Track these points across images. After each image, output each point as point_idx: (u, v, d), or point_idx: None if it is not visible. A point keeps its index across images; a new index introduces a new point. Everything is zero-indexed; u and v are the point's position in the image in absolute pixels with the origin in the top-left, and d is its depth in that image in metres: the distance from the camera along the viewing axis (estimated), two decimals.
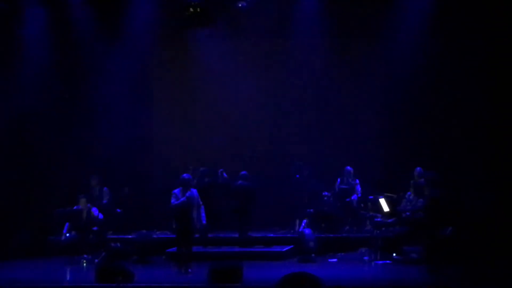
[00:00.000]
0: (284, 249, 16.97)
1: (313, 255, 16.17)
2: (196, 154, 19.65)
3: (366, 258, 16.12)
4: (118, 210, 18.54)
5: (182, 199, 14.52)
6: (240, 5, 18.80)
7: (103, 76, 19.99)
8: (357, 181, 18.44)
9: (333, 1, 19.10)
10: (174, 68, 20.51)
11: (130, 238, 17.77)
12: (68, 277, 15.26)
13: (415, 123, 18.76)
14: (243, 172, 17.71)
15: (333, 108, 19.68)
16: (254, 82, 19.81)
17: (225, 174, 18.46)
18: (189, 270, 14.53)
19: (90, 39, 19.75)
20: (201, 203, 14.90)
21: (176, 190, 14.63)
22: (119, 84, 19.83)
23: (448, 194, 15.44)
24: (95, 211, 17.22)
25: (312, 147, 19.35)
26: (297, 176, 18.69)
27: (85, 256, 16.69)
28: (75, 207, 17.16)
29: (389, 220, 16.35)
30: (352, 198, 18.24)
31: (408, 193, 16.39)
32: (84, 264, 16.48)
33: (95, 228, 17.09)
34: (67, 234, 17.17)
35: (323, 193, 18.31)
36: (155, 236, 18.04)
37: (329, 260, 16.36)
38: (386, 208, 16.68)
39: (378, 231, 16.27)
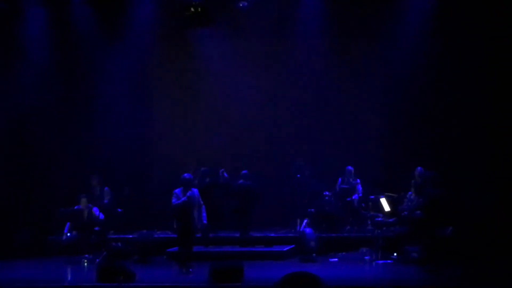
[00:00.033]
0: (285, 249, 16.96)
1: (314, 254, 16.17)
2: (197, 153, 19.65)
3: (367, 257, 16.13)
4: (119, 210, 18.56)
5: (183, 198, 14.52)
6: (240, 5, 18.82)
7: (103, 76, 20.02)
8: (358, 180, 18.45)
9: (333, 1, 19.11)
10: (175, 68, 20.52)
11: (131, 238, 17.78)
12: (69, 277, 15.26)
13: (416, 123, 18.76)
14: (244, 172, 17.73)
15: (333, 108, 19.68)
16: (254, 82, 19.81)
17: (225, 174, 18.46)
18: (190, 270, 14.53)
19: (91, 39, 19.78)
20: (202, 203, 14.90)
21: (177, 190, 14.64)
22: (120, 84, 19.85)
23: (447, 194, 15.49)
24: (96, 211, 17.23)
25: (313, 147, 19.35)
26: (298, 175, 18.72)
27: (86, 256, 16.71)
28: (76, 207, 17.18)
29: (390, 220, 16.36)
30: (353, 197, 18.26)
31: (409, 192, 16.39)
32: (85, 264, 16.49)
33: (96, 228, 17.11)
34: (68, 234, 17.18)
35: (324, 193, 18.32)
36: (156, 236, 18.02)
37: (330, 259, 16.35)
38: (387, 207, 16.71)
39: (379, 231, 16.28)
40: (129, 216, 18.66)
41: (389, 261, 15.66)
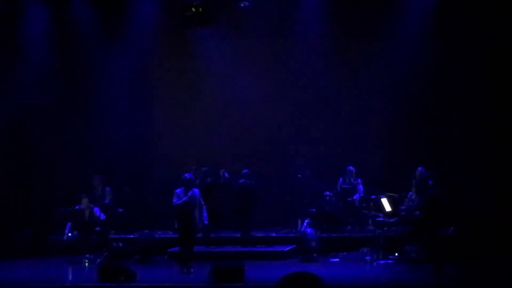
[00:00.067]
0: (286, 249, 16.97)
1: (315, 255, 16.18)
2: (197, 154, 19.64)
3: (368, 258, 16.13)
4: (120, 210, 18.56)
5: (184, 199, 14.52)
6: (241, 5, 18.82)
7: (103, 76, 20.03)
8: (359, 180, 18.44)
9: (333, 2, 19.12)
10: (175, 68, 20.52)
11: (132, 238, 17.79)
12: (70, 277, 15.28)
13: (417, 123, 18.77)
14: (245, 171, 17.75)
15: (334, 108, 19.67)
16: (255, 82, 19.79)
17: (226, 174, 18.46)
18: (191, 270, 14.53)
19: (91, 38, 19.80)
20: (203, 203, 14.89)
21: (178, 190, 14.64)
22: (120, 84, 19.87)
23: (446, 194, 15.53)
24: (97, 211, 17.23)
25: (314, 147, 19.34)
26: (299, 175, 18.72)
27: (87, 256, 16.72)
28: (77, 207, 17.18)
29: (391, 220, 16.36)
30: (354, 197, 18.25)
31: (410, 193, 16.40)
32: (86, 264, 16.50)
33: (97, 228, 17.11)
34: (69, 234, 17.19)
35: (325, 193, 18.32)
36: (156, 236, 18.03)
37: (331, 259, 16.36)
38: (388, 207, 16.71)
39: (380, 231, 16.28)
40: (130, 216, 18.66)
41: (390, 261, 15.66)
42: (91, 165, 19.25)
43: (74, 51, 19.85)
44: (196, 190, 14.78)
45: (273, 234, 18.26)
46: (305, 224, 17.93)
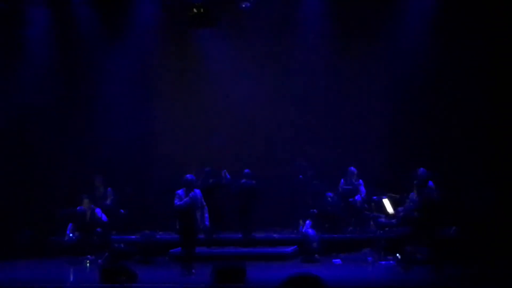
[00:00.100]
0: (287, 250, 16.97)
1: (316, 255, 16.18)
2: (198, 154, 19.61)
3: (369, 258, 16.11)
4: (122, 211, 18.54)
5: (185, 199, 14.51)
6: (243, 6, 18.81)
7: (104, 76, 20.05)
8: (361, 181, 18.42)
9: (334, 2, 19.10)
10: (176, 68, 20.50)
11: (133, 238, 17.79)
12: (71, 277, 15.27)
13: (418, 123, 18.75)
14: (246, 171, 17.75)
15: (335, 108, 19.64)
16: (256, 82, 19.79)
17: (228, 175, 18.45)
18: (193, 271, 14.52)
19: (92, 39, 19.80)
20: (204, 204, 14.88)
21: (179, 191, 14.62)
22: (121, 84, 19.88)
23: (445, 194, 15.54)
24: (98, 211, 17.23)
25: (315, 148, 19.31)
26: (300, 176, 18.70)
27: (88, 256, 16.73)
28: (78, 208, 17.17)
29: (393, 221, 16.33)
30: (356, 198, 18.23)
31: (412, 193, 16.37)
32: (88, 265, 16.50)
33: (98, 229, 17.10)
34: (71, 235, 17.18)
35: (327, 194, 18.28)
36: (158, 236, 18.03)
37: (333, 260, 16.34)
38: (389, 208, 16.68)
39: (381, 232, 16.25)
40: (131, 217, 18.66)
41: (391, 262, 15.63)
42: (92, 165, 19.26)
43: (74, 51, 19.87)
44: (197, 191, 14.77)
45: (275, 235, 18.24)
46: (306, 225, 17.89)
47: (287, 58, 19.86)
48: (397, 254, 15.73)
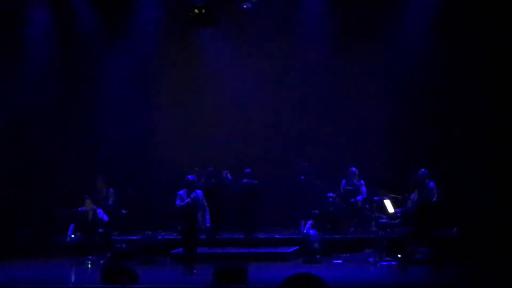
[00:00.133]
0: (289, 250, 16.98)
1: (318, 256, 16.18)
2: (199, 154, 19.63)
3: (371, 259, 16.11)
4: (123, 211, 18.56)
5: (187, 200, 14.53)
6: (244, 6, 18.84)
7: (105, 76, 20.06)
8: (362, 182, 18.45)
9: (335, 2, 19.12)
10: (178, 68, 20.52)
11: (135, 239, 17.80)
12: (73, 278, 15.29)
13: (418, 124, 18.77)
14: (247, 170, 17.78)
15: (337, 109, 19.65)
16: (258, 83, 19.83)
17: (229, 176, 18.47)
18: (194, 271, 14.54)
19: (93, 39, 19.82)
20: (206, 204, 14.89)
21: (181, 192, 14.64)
22: (122, 84, 19.90)
23: (443, 194, 15.56)
24: (100, 212, 17.24)
25: (317, 148, 19.32)
26: (302, 177, 18.72)
27: (90, 257, 16.73)
28: (80, 209, 17.19)
29: (394, 221, 16.34)
30: (357, 199, 18.25)
31: (413, 194, 16.36)
32: (89, 265, 16.52)
33: (100, 230, 17.11)
34: (72, 236, 17.19)
35: (328, 194, 18.31)
36: (160, 237, 18.07)
37: (334, 261, 16.36)
38: (391, 209, 16.68)
39: (383, 232, 16.26)
40: (133, 217, 18.67)
41: (393, 262, 15.64)
42: (92, 165, 19.25)
43: (75, 51, 19.90)
44: (199, 192, 14.79)
45: (276, 236, 18.26)
46: (308, 225, 17.92)
47: (288, 58, 19.89)
48: (399, 255, 15.76)
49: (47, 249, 17.93)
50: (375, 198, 17.50)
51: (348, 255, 16.66)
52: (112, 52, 19.84)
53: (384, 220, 16.48)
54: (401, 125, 18.95)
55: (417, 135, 18.74)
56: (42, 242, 18.19)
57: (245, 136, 19.98)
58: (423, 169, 16.55)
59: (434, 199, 16.39)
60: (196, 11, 18.23)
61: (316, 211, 18.08)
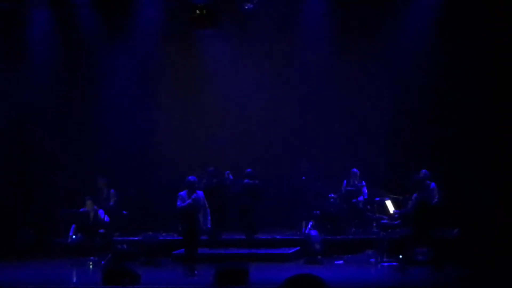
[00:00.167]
0: (290, 251, 16.97)
1: (319, 257, 16.17)
2: (200, 155, 19.65)
3: (372, 260, 16.11)
4: (124, 212, 18.56)
5: (188, 201, 14.52)
6: (245, 7, 18.84)
7: (106, 76, 20.08)
8: (363, 183, 18.46)
9: (336, 3, 19.12)
10: (179, 69, 20.54)
11: (136, 240, 17.80)
12: (74, 279, 15.28)
13: (420, 124, 18.78)
14: (248, 170, 17.78)
15: (339, 110, 19.67)
16: (259, 83, 19.84)
17: (231, 176, 18.48)
18: (195, 272, 14.54)
19: (94, 39, 19.82)
20: (207, 205, 14.88)
21: (182, 193, 14.64)
22: (123, 84, 19.90)
23: (442, 195, 15.57)
24: (101, 213, 17.24)
25: (318, 149, 19.34)
26: (303, 177, 18.73)
27: (91, 258, 16.72)
28: (81, 209, 17.19)
29: (395, 222, 16.34)
30: (358, 199, 18.26)
31: (414, 194, 16.35)
32: (91, 266, 16.51)
33: (101, 230, 17.12)
34: (74, 236, 17.19)
35: (329, 195, 18.32)
36: (161, 238, 18.07)
37: (335, 262, 16.34)
38: (392, 210, 16.68)
39: (384, 233, 16.25)
40: (134, 218, 18.67)
41: (394, 263, 15.63)
42: (93, 165, 19.26)
43: (75, 52, 19.91)
44: (200, 193, 14.78)
45: (277, 236, 18.25)
46: (309, 226, 17.93)
47: (288, 58, 19.91)
48: (399, 256, 15.76)
49: (48, 249, 17.94)
50: (376, 198, 17.50)
51: (349, 256, 16.65)
52: (113, 52, 19.85)
53: (385, 221, 16.48)
54: (401, 125, 18.97)
55: (417, 135, 18.75)
56: (43, 243, 18.20)
57: (246, 136, 20.01)
58: (424, 170, 16.56)
59: (435, 200, 16.40)
60: (198, 12, 18.22)
61: (317, 212, 18.09)
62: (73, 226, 17.27)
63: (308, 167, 18.88)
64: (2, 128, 19.54)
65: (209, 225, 14.92)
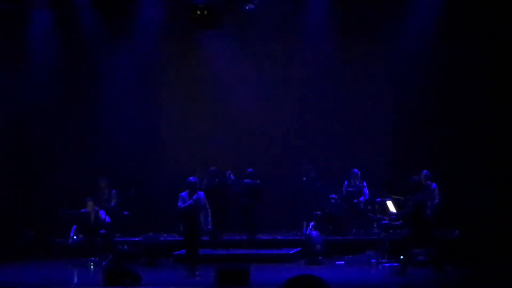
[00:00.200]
0: (291, 252, 16.98)
1: (320, 257, 16.17)
2: (202, 155, 19.65)
3: (373, 260, 16.11)
4: (125, 213, 18.57)
5: (189, 202, 14.52)
6: (247, 7, 18.85)
7: (107, 76, 20.07)
8: (364, 183, 18.46)
9: (337, 4, 19.13)
10: (181, 69, 20.55)
11: (137, 240, 17.81)
12: (75, 279, 15.29)
13: (420, 124, 18.77)
14: (249, 170, 17.78)
15: (340, 110, 19.68)
16: (259, 84, 19.84)
17: (232, 176, 18.48)
18: (197, 273, 14.53)
19: (95, 39, 19.83)
20: (207, 206, 14.88)
21: (183, 193, 14.64)
22: (124, 85, 19.90)
23: (445, 195, 15.57)
24: (102, 213, 17.25)
25: (319, 150, 19.35)
26: (304, 178, 18.73)
27: (92, 258, 16.73)
28: (82, 210, 17.20)
29: (396, 223, 16.33)
30: (360, 200, 18.26)
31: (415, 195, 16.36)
32: (92, 267, 16.51)
33: (102, 231, 17.12)
34: (75, 237, 17.19)
35: (330, 196, 18.32)
36: (162, 238, 18.07)
37: (336, 262, 16.34)
38: (393, 210, 16.68)
39: (385, 234, 16.25)
40: (135, 218, 18.67)
41: (395, 263, 15.63)
42: (93, 166, 19.25)
43: (76, 52, 19.92)
44: (201, 193, 14.78)
45: (279, 237, 18.26)
46: (310, 226, 17.93)
47: (289, 58, 19.90)
48: (400, 256, 15.75)
49: (49, 250, 17.94)
50: (377, 199, 17.50)
51: (350, 256, 16.66)
52: (113, 52, 19.84)
53: (386, 222, 16.48)
54: (401, 125, 18.97)
55: (417, 135, 18.74)
56: (43, 243, 18.22)
57: (246, 137, 20.01)
58: (425, 171, 16.56)
59: (436, 200, 16.40)
60: (199, 12, 18.22)
61: (318, 212, 18.09)
62: (74, 226, 17.27)
63: (309, 168, 18.87)
64: (2, 128, 19.53)
65: (210, 226, 14.92)
